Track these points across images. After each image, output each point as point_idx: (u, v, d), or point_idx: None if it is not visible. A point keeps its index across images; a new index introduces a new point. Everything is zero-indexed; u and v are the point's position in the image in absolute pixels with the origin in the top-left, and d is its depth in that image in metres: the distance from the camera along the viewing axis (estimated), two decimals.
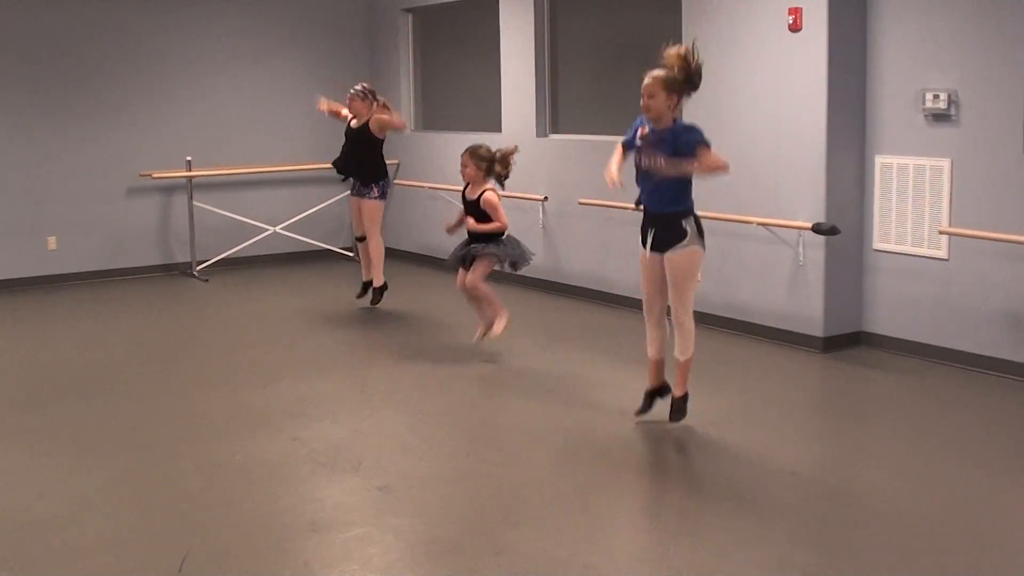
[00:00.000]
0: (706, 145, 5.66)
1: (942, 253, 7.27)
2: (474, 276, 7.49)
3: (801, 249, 7.82)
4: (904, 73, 7.37)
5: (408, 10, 12.00)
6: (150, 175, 11.19)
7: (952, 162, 7.14)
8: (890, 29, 7.44)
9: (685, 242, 5.75)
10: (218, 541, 4.70)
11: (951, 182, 7.16)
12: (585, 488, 5.32)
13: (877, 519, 4.86)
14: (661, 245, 5.79)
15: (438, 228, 11.40)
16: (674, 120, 5.76)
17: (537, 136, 10.23)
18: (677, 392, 6.00)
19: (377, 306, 9.29)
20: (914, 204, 7.35)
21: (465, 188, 7.61)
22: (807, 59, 7.60)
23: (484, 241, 7.44)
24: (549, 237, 9.97)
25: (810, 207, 7.68)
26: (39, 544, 4.70)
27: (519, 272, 10.47)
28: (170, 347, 8.45)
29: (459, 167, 7.55)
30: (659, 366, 6.12)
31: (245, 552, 4.59)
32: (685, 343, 5.89)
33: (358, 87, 9.13)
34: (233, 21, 11.74)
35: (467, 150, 7.50)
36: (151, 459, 5.76)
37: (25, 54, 10.72)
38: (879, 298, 7.67)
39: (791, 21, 7.67)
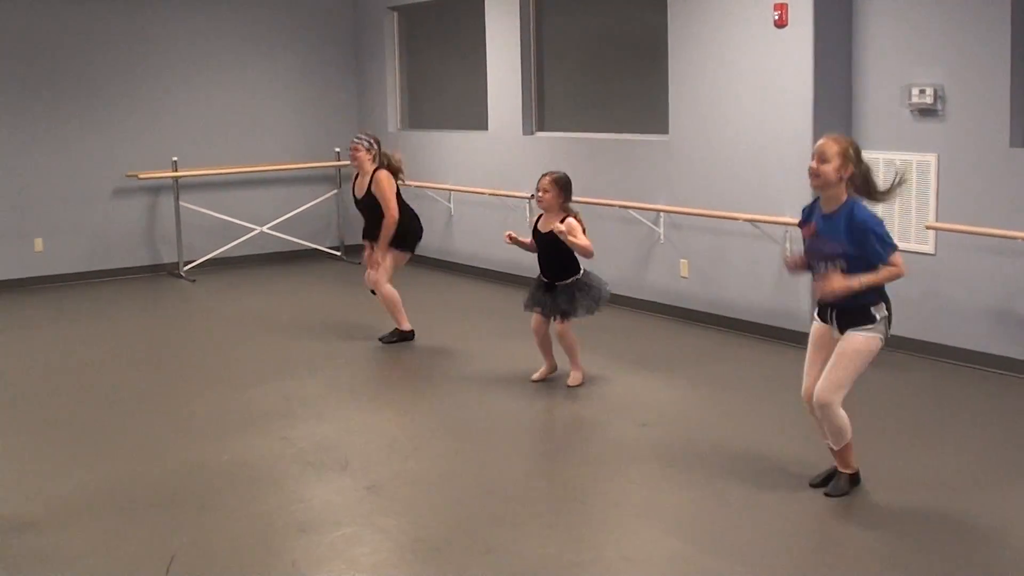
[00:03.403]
0: (892, 249, 4.75)
1: (929, 248, 7.27)
2: (564, 329, 6.86)
3: (788, 245, 7.82)
4: (890, 68, 7.38)
5: (394, 8, 11.98)
6: (136, 175, 11.15)
7: (938, 157, 7.15)
8: (876, 24, 7.45)
9: (870, 328, 4.83)
10: (205, 542, 4.68)
11: (937, 177, 7.17)
12: (573, 487, 5.31)
13: (866, 515, 4.86)
14: (842, 324, 4.90)
15: (424, 227, 11.38)
16: (848, 199, 4.82)
17: (523, 134, 10.22)
18: (843, 470, 5.09)
19: (384, 343, 8.17)
20: (901, 199, 7.34)
21: (538, 220, 6.93)
22: (793, 55, 7.60)
23: (564, 276, 6.81)
24: None
25: (796, 203, 7.66)
26: (26, 547, 4.67)
27: (511, 272, 10.50)
28: (157, 348, 8.43)
29: (538, 192, 6.80)
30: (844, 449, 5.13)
31: (233, 553, 4.58)
32: (836, 434, 4.95)
33: (363, 136, 8.07)
34: (219, 21, 11.70)
35: (549, 177, 6.75)
36: (138, 460, 5.74)
37: (9, 55, 10.67)
38: None
39: (777, 17, 7.67)
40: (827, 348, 5.00)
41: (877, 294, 4.86)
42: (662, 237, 8.84)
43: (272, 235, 11.88)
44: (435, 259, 11.39)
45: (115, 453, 5.88)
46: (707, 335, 8.26)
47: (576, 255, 6.76)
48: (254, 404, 6.69)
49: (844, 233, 4.76)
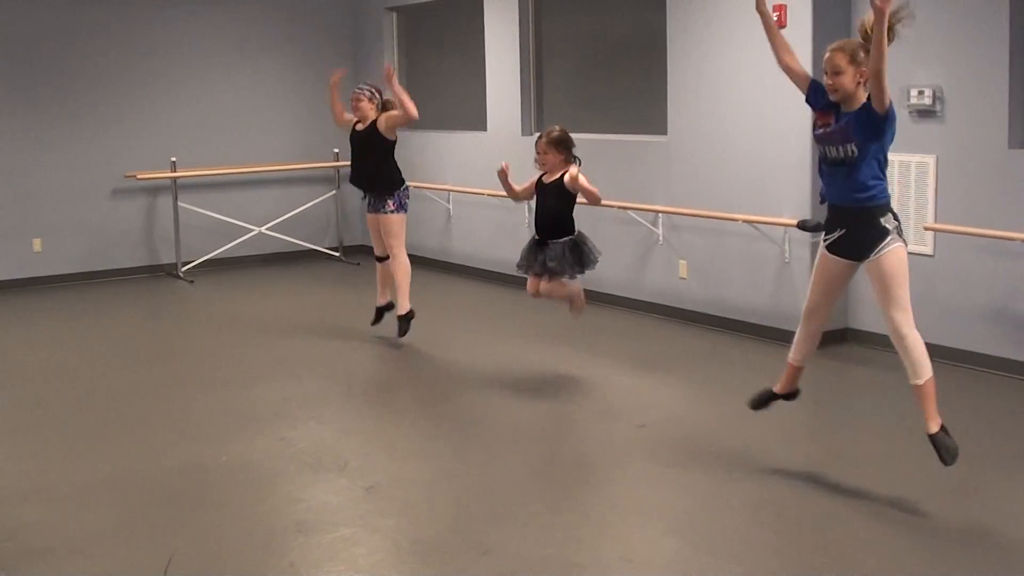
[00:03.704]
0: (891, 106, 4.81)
1: (927, 249, 7.28)
2: (549, 287, 6.89)
3: (786, 246, 7.83)
4: (889, 69, 7.35)
5: (392, 9, 11.98)
6: (135, 176, 11.14)
7: (937, 158, 7.15)
8: None
9: (888, 240, 4.84)
10: (204, 542, 4.68)
11: (936, 178, 7.17)
12: (571, 487, 5.32)
13: (864, 515, 4.86)
14: (856, 250, 4.93)
15: (423, 227, 11.42)
16: (867, 101, 4.82)
17: (522, 135, 10.22)
18: (931, 428, 4.91)
19: (403, 337, 8.05)
20: (899, 200, 7.35)
21: (541, 176, 6.91)
22: None
23: (558, 236, 6.78)
24: None
25: (795, 204, 7.69)
26: (24, 546, 4.67)
27: (510, 273, 10.49)
28: (156, 348, 8.42)
29: (537, 154, 6.85)
30: (796, 372, 5.39)
31: (231, 553, 4.58)
32: (916, 362, 4.85)
33: (364, 86, 8.09)
34: (218, 21, 11.70)
35: (544, 139, 6.77)
36: (136, 460, 5.73)
37: (7, 54, 10.67)
38: (865, 295, 7.66)
39: (776, 18, 7.64)
40: (834, 274, 5.07)
41: (883, 198, 4.88)
42: (661, 238, 8.85)
43: (271, 236, 11.87)
44: (433, 259, 11.39)
45: (113, 453, 5.88)
46: (706, 336, 8.26)
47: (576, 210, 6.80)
48: (252, 405, 6.69)
49: (865, 120, 4.79)
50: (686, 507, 5.04)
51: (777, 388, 5.48)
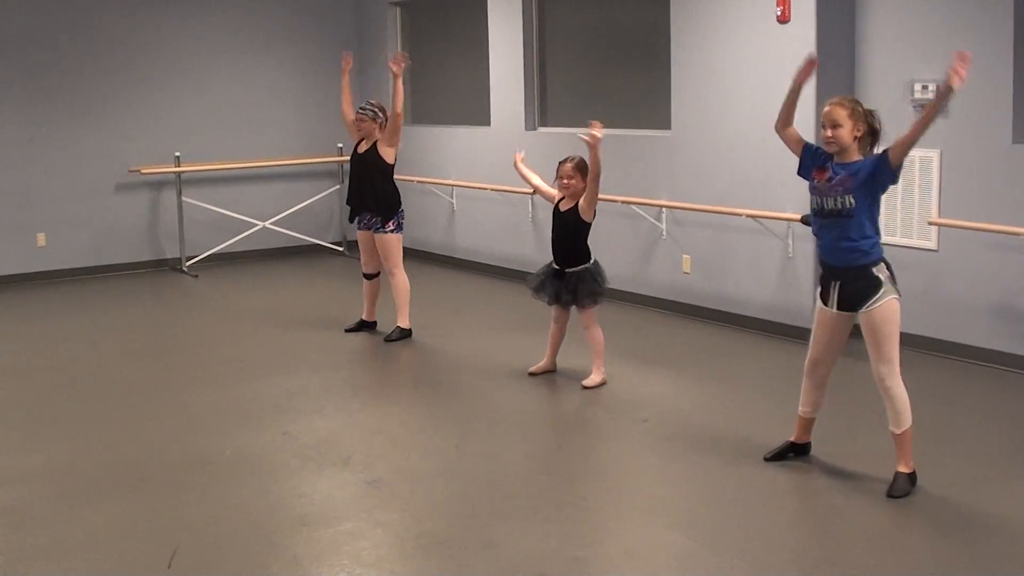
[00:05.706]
0: (897, 166, 4.95)
1: (931, 244, 7.27)
2: (588, 321, 6.80)
3: (790, 241, 7.82)
4: (893, 64, 7.37)
5: (396, 3, 11.98)
6: (139, 171, 11.15)
7: (941, 153, 7.14)
8: (878, 20, 7.44)
9: (881, 292, 4.92)
10: (207, 536, 4.69)
11: (940, 173, 7.16)
12: (575, 481, 5.32)
13: (869, 509, 4.86)
14: (850, 302, 5.01)
15: (426, 222, 11.43)
16: (864, 157, 5.00)
17: (526, 129, 10.21)
18: (902, 468, 5.03)
19: (391, 342, 8.03)
20: (903, 195, 7.35)
21: (560, 200, 6.81)
22: (795, 50, 7.57)
23: (574, 263, 6.74)
24: (539, 231, 9.96)
25: (799, 199, 7.67)
26: (28, 540, 4.68)
27: (513, 267, 10.50)
28: (159, 343, 8.43)
29: (558, 178, 6.75)
30: (807, 424, 5.42)
31: (234, 547, 4.59)
32: (897, 413, 4.98)
33: (367, 105, 7.99)
34: (221, 16, 11.70)
35: (572, 165, 6.69)
36: (140, 454, 5.74)
37: (12, 50, 10.67)
38: None
39: (779, 12, 7.66)
40: (834, 329, 5.14)
41: (875, 255, 4.96)
42: (664, 232, 8.84)
43: (274, 230, 11.88)
44: (437, 254, 11.39)
45: (117, 447, 5.88)
46: (709, 331, 8.25)
47: (587, 240, 6.76)
48: (256, 399, 6.69)
49: (865, 173, 4.92)
50: (690, 501, 5.05)
51: (792, 438, 5.48)
